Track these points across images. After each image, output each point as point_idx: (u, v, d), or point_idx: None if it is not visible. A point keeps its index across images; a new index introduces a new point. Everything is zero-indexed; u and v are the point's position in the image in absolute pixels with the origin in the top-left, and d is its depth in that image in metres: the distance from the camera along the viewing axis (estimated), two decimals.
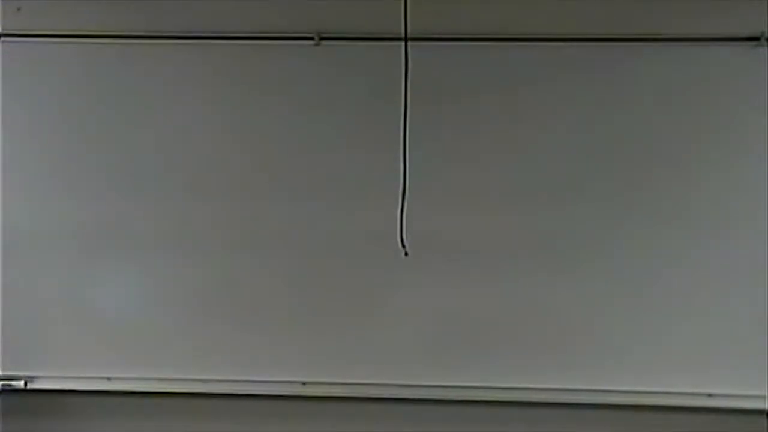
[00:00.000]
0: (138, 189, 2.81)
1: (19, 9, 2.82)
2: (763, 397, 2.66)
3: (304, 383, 2.79)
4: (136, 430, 2.90)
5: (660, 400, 2.70)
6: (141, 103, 2.82)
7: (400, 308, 2.78)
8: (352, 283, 2.79)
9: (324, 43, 2.76)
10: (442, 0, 2.73)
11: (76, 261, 2.83)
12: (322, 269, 2.78)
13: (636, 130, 2.72)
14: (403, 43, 2.49)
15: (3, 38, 2.81)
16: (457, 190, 2.75)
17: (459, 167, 2.75)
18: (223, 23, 2.78)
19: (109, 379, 2.81)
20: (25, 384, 2.83)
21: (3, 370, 2.82)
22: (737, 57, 2.68)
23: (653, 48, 2.69)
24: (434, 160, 2.72)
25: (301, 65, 2.78)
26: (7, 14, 2.81)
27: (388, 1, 2.55)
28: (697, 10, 2.69)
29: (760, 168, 2.67)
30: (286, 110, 2.80)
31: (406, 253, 2.58)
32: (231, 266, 2.80)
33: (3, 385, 2.83)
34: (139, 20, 2.80)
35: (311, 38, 2.76)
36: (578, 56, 2.72)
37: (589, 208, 2.73)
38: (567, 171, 2.73)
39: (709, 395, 2.68)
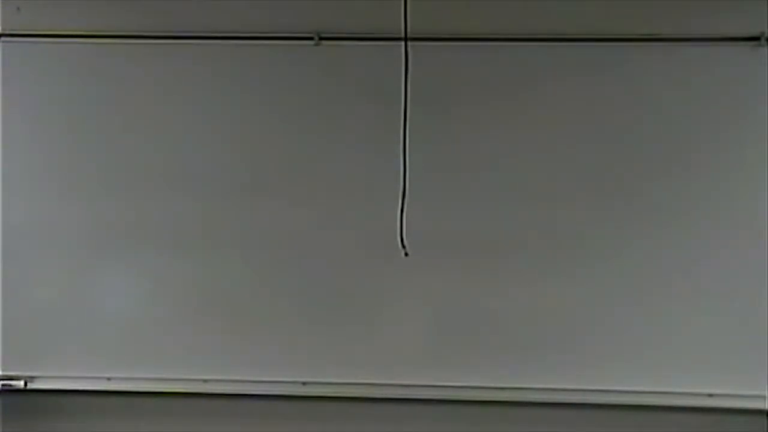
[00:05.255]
0: (138, 189, 2.81)
1: (19, 9, 2.82)
2: (763, 397, 2.66)
3: (304, 383, 2.78)
4: (136, 430, 2.90)
5: (660, 400, 2.70)
6: (141, 103, 2.82)
7: (401, 308, 2.78)
8: (352, 283, 2.79)
9: (324, 43, 2.76)
10: (442, 0, 2.73)
11: (76, 261, 2.83)
12: (322, 269, 2.78)
13: (636, 130, 2.72)
14: (403, 43, 2.49)
15: (3, 38, 2.81)
16: (457, 190, 2.75)
17: (459, 167, 2.75)
18: (223, 23, 2.78)
19: (109, 379, 2.81)
20: (25, 384, 2.83)
21: (3, 370, 2.82)
22: (737, 57, 2.68)
23: (653, 48, 2.69)
24: (434, 160, 2.72)
25: (301, 65, 2.78)
26: (7, 14, 2.81)
27: (388, 1, 2.55)
28: (697, 10, 2.69)
29: (761, 168, 2.67)
30: (286, 110, 2.80)
31: (406, 254, 2.58)
32: (231, 266, 2.80)
33: (3, 385, 2.83)
34: (138, 20, 2.80)
35: (311, 38, 2.76)
36: (579, 56, 2.72)
37: (589, 209, 2.73)
38: (567, 171, 2.73)
39: (709, 395, 2.68)
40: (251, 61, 2.79)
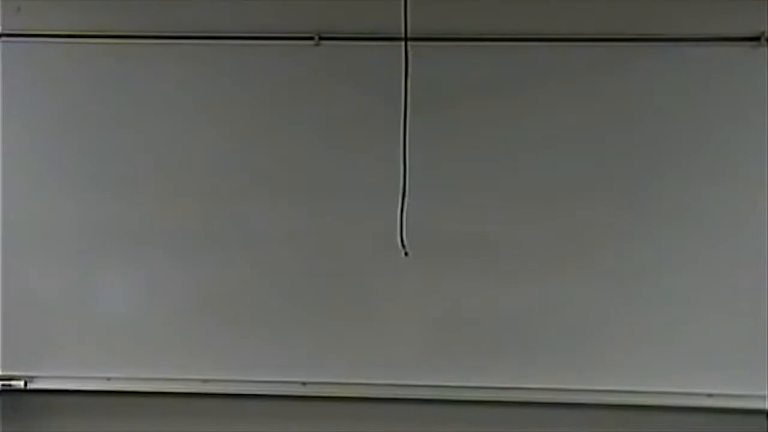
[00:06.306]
0: (138, 189, 2.81)
1: (19, 9, 2.82)
2: (763, 397, 2.66)
3: (304, 383, 2.78)
4: (136, 430, 2.90)
5: (660, 400, 2.70)
6: (140, 103, 2.82)
7: (400, 308, 2.78)
8: (352, 283, 2.79)
9: (324, 43, 2.76)
10: (442, 0, 2.73)
11: (76, 261, 2.83)
12: (322, 269, 2.78)
13: (636, 130, 2.72)
14: (403, 43, 2.49)
15: (3, 38, 2.81)
16: (457, 190, 2.75)
17: (459, 167, 2.75)
18: (223, 23, 2.78)
19: (109, 379, 2.81)
20: (25, 384, 2.83)
21: (3, 370, 2.82)
22: (737, 57, 2.68)
23: (653, 48, 2.69)
24: (434, 160, 2.72)
25: (301, 65, 2.78)
26: (7, 14, 2.81)
27: (388, 1, 2.55)
28: (697, 10, 2.69)
29: (761, 168, 2.67)
30: (286, 110, 2.80)
31: (406, 253, 2.58)
32: (231, 266, 2.80)
33: (3, 385, 2.83)
34: (139, 20, 2.80)
35: (311, 38, 2.76)
36: (578, 56, 2.72)
37: (589, 209, 2.73)
38: (567, 171, 2.73)
39: (709, 395, 2.68)
40: (251, 61, 2.79)
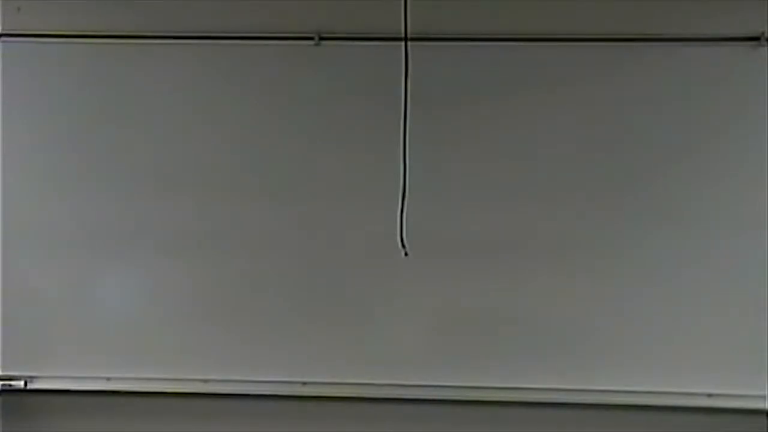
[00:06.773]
0: (138, 189, 2.81)
1: (19, 9, 2.82)
2: (763, 397, 2.66)
3: (304, 383, 2.78)
4: (136, 430, 2.89)
5: (660, 400, 2.70)
6: (140, 103, 2.82)
7: (401, 308, 2.78)
8: (352, 283, 2.79)
9: (324, 43, 2.76)
10: (442, 0, 2.73)
11: (76, 261, 2.83)
12: (322, 269, 2.78)
13: (636, 130, 2.72)
14: (403, 43, 2.49)
15: (3, 38, 2.81)
16: (457, 190, 2.75)
17: (459, 167, 2.75)
18: (223, 23, 2.78)
19: (108, 379, 2.81)
20: (25, 384, 2.83)
21: (3, 370, 2.82)
22: (737, 57, 2.68)
23: (653, 48, 2.69)
24: (434, 160, 2.72)
25: (301, 65, 2.78)
26: (7, 14, 2.81)
27: (388, 1, 2.55)
28: (697, 10, 2.69)
29: (761, 168, 2.67)
30: (286, 110, 2.80)
31: (406, 253, 2.59)
32: (231, 266, 2.80)
33: (3, 385, 2.83)
34: (139, 20, 2.80)
35: (311, 38, 2.76)
36: (578, 56, 2.72)
37: (589, 209, 2.73)
38: (567, 171, 2.73)
39: (709, 395, 2.68)
40: (251, 61, 2.79)
